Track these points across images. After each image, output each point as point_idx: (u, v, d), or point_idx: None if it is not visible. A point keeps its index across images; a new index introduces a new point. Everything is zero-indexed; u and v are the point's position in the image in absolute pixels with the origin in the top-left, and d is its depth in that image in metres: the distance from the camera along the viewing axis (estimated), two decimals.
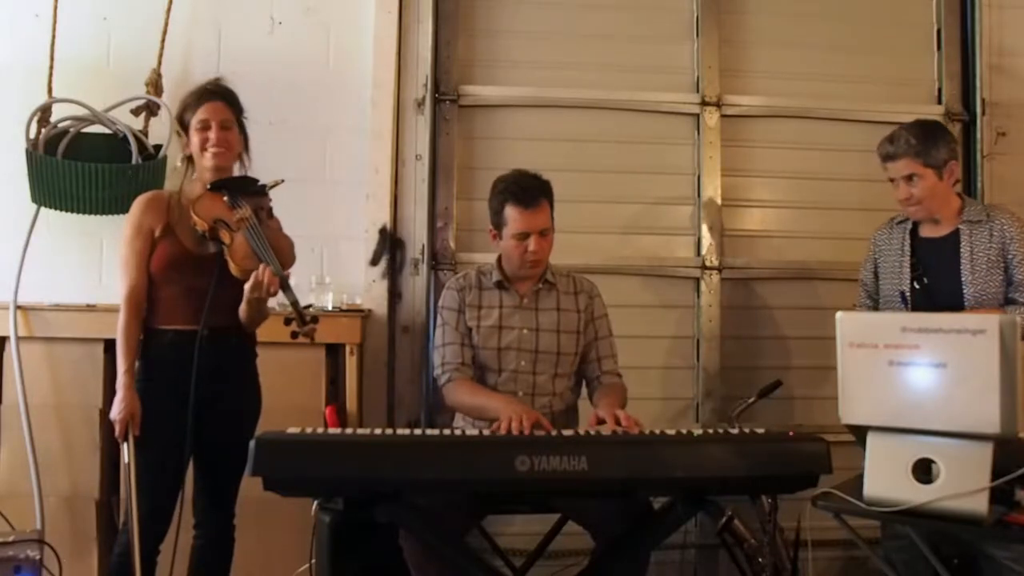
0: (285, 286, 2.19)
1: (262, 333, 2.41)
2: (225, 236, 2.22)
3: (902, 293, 2.52)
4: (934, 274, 2.50)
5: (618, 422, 2.13)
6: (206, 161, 2.29)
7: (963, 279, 2.45)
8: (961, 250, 2.47)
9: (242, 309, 2.25)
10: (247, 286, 2.17)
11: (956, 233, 2.50)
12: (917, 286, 2.50)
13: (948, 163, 2.46)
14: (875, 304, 2.67)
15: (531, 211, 2.36)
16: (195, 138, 2.29)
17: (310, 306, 2.27)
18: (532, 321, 2.45)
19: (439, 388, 2.48)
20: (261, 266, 2.17)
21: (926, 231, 2.56)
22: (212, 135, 2.27)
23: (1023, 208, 2.65)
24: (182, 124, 2.32)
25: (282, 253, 2.28)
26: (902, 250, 2.56)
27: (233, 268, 2.21)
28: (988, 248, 2.45)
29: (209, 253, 2.26)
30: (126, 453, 2.17)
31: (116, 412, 2.19)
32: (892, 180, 2.51)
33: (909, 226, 2.58)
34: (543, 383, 2.43)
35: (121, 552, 2.22)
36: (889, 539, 2.48)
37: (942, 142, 2.46)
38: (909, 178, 2.46)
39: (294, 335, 2.17)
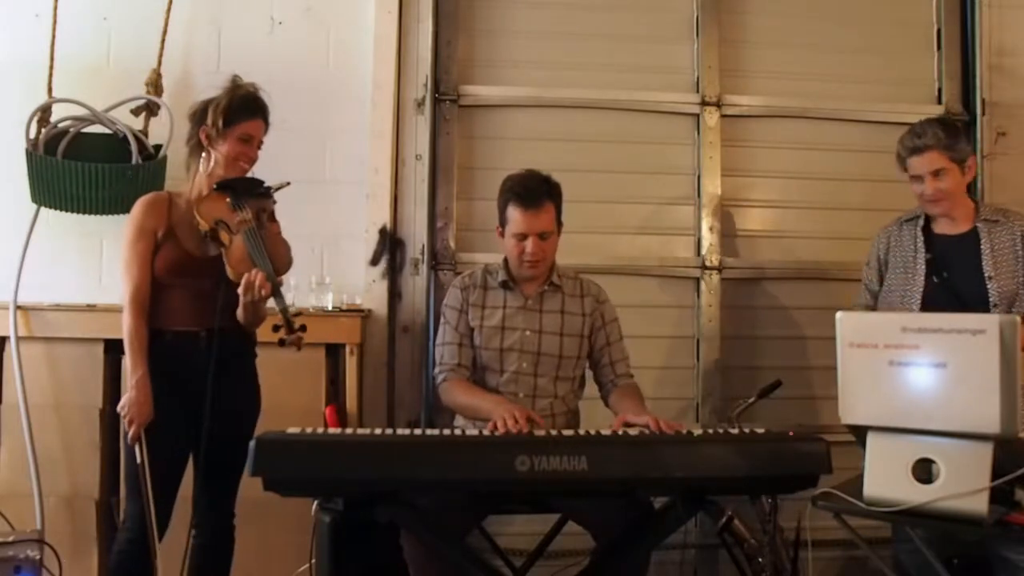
0: (276, 292, 2.17)
1: (262, 333, 2.40)
2: (224, 238, 2.22)
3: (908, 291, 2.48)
4: (955, 271, 2.46)
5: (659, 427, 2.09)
6: (230, 170, 2.29)
7: (986, 275, 2.42)
8: (982, 247, 2.45)
9: (239, 311, 2.26)
10: (239, 288, 2.17)
11: (974, 231, 2.48)
12: (936, 280, 2.46)
13: (969, 159, 2.45)
14: (875, 306, 2.62)
15: (531, 212, 2.34)
16: (232, 147, 2.29)
17: (299, 313, 2.25)
18: (535, 323, 2.44)
19: (436, 387, 2.48)
20: (253, 269, 2.16)
21: (941, 228, 2.52)
22: (253, 153, 2.34)
23: (1023, 208, 2.65)
24: (216, 125, 2.28)
25: (278, 259, 2.27)
26: (915, 247, 2.52)
27: (229, 271, 2.21)
28: (1013, 245, 2.44)
29: (211, 256, 2.26)
30: (138, 454, 2.14)
31: (134, 415, 2.15)
32: (914, 177, 2.46)
33: (920, 223, 2.54)
34: (544, 385, 2.42)
35: (120, 550, 2.22)
36: (901, 541, 2.46)
37: (963, 137, 2.46)
38: (936, 173, 2.41)
39: (281, 342, 2.15)
